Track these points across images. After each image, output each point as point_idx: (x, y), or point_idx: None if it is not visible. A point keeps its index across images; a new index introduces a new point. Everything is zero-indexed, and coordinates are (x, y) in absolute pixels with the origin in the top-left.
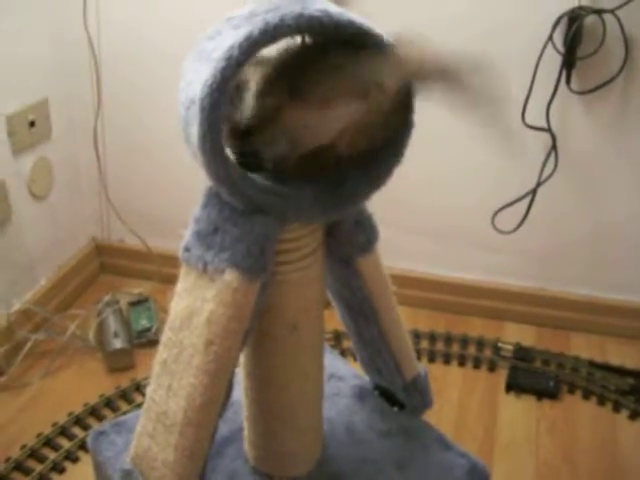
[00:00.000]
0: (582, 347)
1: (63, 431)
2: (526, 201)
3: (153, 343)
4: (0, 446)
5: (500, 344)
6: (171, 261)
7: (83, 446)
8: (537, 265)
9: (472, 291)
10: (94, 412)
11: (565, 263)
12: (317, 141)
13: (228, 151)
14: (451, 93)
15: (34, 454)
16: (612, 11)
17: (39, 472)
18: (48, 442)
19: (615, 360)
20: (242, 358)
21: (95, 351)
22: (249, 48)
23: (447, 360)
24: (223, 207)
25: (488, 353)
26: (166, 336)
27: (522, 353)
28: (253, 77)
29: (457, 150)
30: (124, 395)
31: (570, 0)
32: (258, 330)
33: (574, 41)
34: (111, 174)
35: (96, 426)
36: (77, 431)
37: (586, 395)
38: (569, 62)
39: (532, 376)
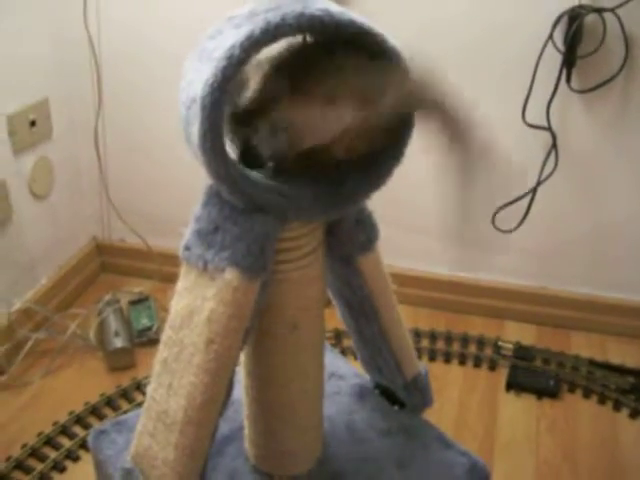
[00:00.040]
0: (582, 346)
1: (64, 430)
2: (526, 200)
3: (154, 342)
4: (1, 445)
5: (500, 343)
6: (171, 260)
7: (84, 445)
8: (537, 264)
9: (473, 290)
10: (95, 411)
11: (565, 262)
12: (315, 140)
13: (229, 148)
14: (442, 129)
15: (35, 453)
16: (612, 10)
17: (40, 471)
18: (49, 441)
19: (615, 359)
20: (242, 357)
21: (96, 350)
22: (250, 47)
23: (447, 359)
24: (223, 206)
25: (488, 352)
26: (166, 335)
27: (522, 352)
28: (256, 74)
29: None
30: (125, 394)
31: None
32: (258, 329)
33: (574, 40)
34: (112, 174)
35: (97, 425)
36: (78, 430)
37: (586, 394)
38: (569, 61)
39: (532, 375)
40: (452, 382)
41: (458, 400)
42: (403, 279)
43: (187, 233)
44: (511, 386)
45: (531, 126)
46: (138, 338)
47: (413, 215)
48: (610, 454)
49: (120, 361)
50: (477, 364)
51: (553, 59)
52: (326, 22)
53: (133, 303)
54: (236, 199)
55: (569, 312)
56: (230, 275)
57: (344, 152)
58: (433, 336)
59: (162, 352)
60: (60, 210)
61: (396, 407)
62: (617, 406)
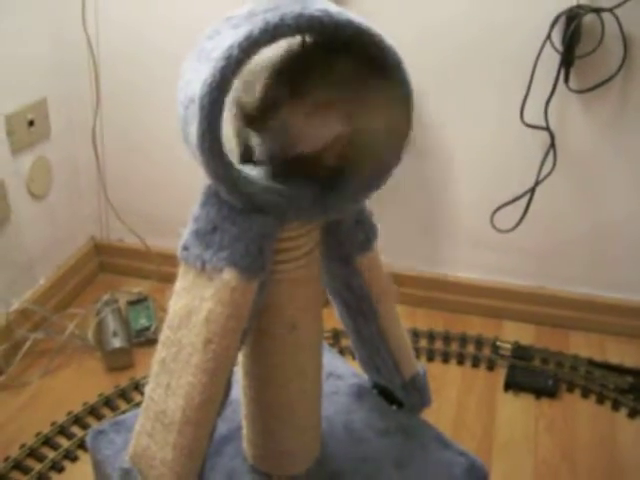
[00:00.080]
0: (581, 346)
1: (62, 430)
2: (525, 200)
3: (152, 342)
4: None
5: (499, 343)
6: (170, 260)
7: (82, 445)
8: (536, 264)
9: (471, 290)
10: (93, 411)
11: (564, 262)
12: (308, 147)
13: (228, 147)
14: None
15: (33, 453)
16: (610, 10)
17: (38, 471)
18: (47, 441)
19: (614, 358)
20: (241, 357)
21: (94, 350)
22: (249, 47)
23: (446, 359)
24: (222, 206)
25: (487, 352)
26: (165, 335)
27: (521, 352)
28: (259, 78)
29: (456, 149)
30: (123, 394)
31: None
32: (257, 329)
33: (572, 40)
34: (110, 173)
35: (95, 425)
36: (76, 430)
37: (585, 394)
38: (567, 61)
39: (531, 375)
40: (450, 382)
41: (456, 400)
42: (401, 279)
43: (185, 233)
44: (509, 386)
45: (529, 126)
46: (136, 338)
47: (412, 215)
48: (609, 454)
49: (118, 361)
50: (475, 364)
51: (551, 59)
52: (325, 22)
53: (131, 303)
54: (235, 199)
55: (568, 312)
56: (228, 275)
57: (335, 159)
58: (431, 336)
59: (160, 352)
60: (58, 210)
61: (394, 407)
62: (616, 406)
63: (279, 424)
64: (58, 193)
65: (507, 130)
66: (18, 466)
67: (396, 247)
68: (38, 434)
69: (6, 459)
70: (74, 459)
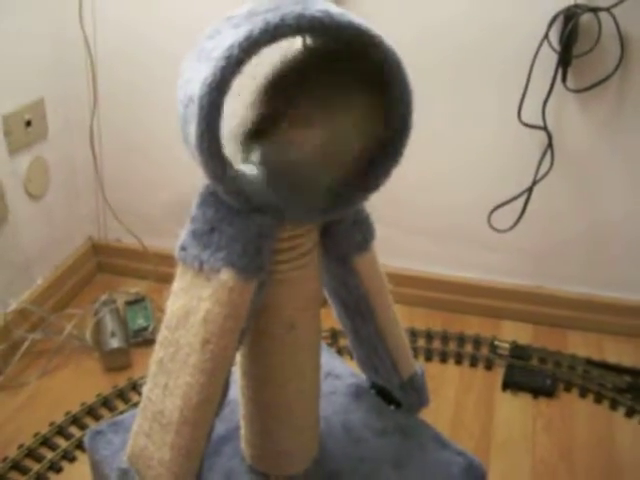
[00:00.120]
0: (579, 345)
1: (60, 430)
2: (522, 199)
3: (150, 342)
4: None
5: (497, 342)
6: (168, 260)
7: (80, 445)
8: (533, 263)
9: (469, 289)
10: (91, 411)
11: (561, 261)
12: (297, 156)
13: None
14: None
15: (31, 453)
16: (608, 9)
17: (36, 471)
18: (45, 441)
19: (612, 358)
20: (239, 357)
21: (92, 350)
22: (249, 47)
23: (444, 358)
24: (219, 206)
25: (485, 351)
26: (162, 335)
27: (519, 351)
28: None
29: (453, 149)
30: (121, 394)
31: None
32: (255, 329)
33: (570, 39)
34: (107, 173)
35: (93, 425)
36: (74, 430)
37: (583, 393)
38: (565, 60)
39: (529, 374)
40: (448, 381)
41: (454, 399)
42: (399, 279)
43: (183, 233)
44: (507, 385)
45: (527, 125)
46: (134, 338)
47: (409, 215)
48: (606, 453)
49: (116, 361)
50: (473, 363)
51: (549, 58)
52: (326, 23)
53: (129, 303)
54: (233, 199)
55: (565, 311)
56: (226, 275)
57: (321, 168)
58: (429, 336)
59: (158, 352)
60: (56, 210)
61: (392, 407)
62: (613, 405)
63: (277, 424)
64: (56, 193)
65: (505, 130)
66: (16, 466)
67: (394, 247)
68: (36, 434)
69: (4, 459)
70: (72, 459)
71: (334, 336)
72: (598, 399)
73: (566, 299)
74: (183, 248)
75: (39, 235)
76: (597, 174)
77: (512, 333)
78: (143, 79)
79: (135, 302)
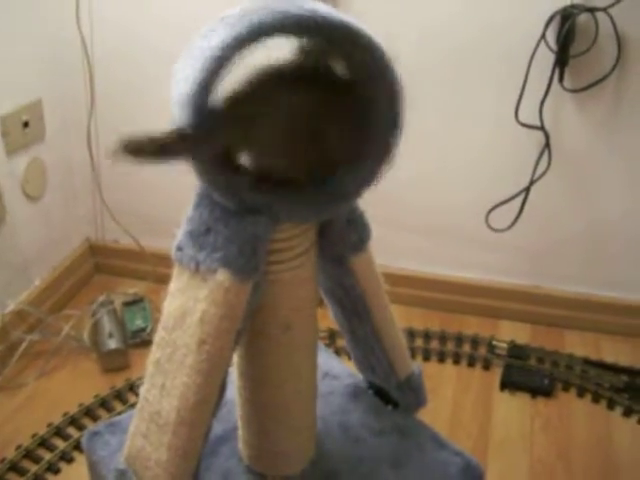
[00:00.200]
0: (576, 345)
1: (58, 431)
2: (520, 199)
3: (148, 343)
4: None
5: (494, 342)
6: (165, 261)
7: (78, 446)
8: (531, 263)
9: (466, 289)
10: (89, 412)
11: (559, 261)
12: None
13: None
14: None
15: (29, 454)
16: (604, 9)
17: (34, 473)
18: (43, 442)
19: (609, 357)
20: (236, 357)
21: (90, 351)
22: (237, 47)
23: (442, 358)
24: (215, 207)
25: (482, 351)
26: (159, 336)
27: (516, 351)
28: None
29: (451, 149)
30: (119, 395)
31: None
32: (251, 330)
33: (567, 39)
34: (105, 174)
35: (91, 426)
36: (72, 431)
37: (580, 392)
38: (562, 60)
39: (526, 374)
40: (446, 381)
41: (452, 399)
42: (397, 279)
43: (179, 234)
44: (505, 385)
45: (524, 125)
46: (132, 339)
47: (407, 215)
48: (604, 452)
49: (114, 362)
50: (471, 363)
51: (546, 58)
52: (313, 22)
53: (127, 304)
54: (227, 201)
55: (563, 311)
56: (222, 276)
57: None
58: (427, 336)
59: (155, 353)
60: (53, 211)
61: (390, 407)
62: (611, 405)
63: (274, 425)
64: (53, 194)
65: (502, 130)
66: (14, 467)
67: (391, 247)
68: (34, 435)
69: (2, 460)
70: (70, 460)
71: (332, 336)
72: (596, 399)
73: (564, 299)
74: (179, 248)
75: (37, 236)
76: (594, 174)
77: (510, 333)
78: (140, 79)
79: (133, 303)
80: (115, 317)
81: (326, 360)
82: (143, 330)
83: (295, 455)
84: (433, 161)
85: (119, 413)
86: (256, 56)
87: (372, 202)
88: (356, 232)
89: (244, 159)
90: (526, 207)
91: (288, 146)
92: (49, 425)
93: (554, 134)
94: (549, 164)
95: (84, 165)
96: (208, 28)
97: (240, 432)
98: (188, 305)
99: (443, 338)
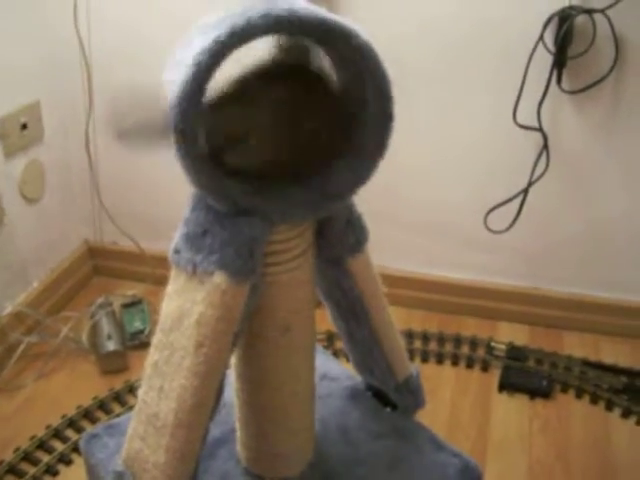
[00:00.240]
0: (575, 346)
1: (56, 434)
2: (518, 201)
3: (147, 345)
4: None
5: (493, 343)
6: (164, 263)
7: (77, 449)
8: (530, 264)
9: (465, 291)
10: (87, 414)
11: (557, 262)
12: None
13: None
14: None
15: (27, 457)
16: (602, 11)
17: (32, 475)
18: (41, 445)
19: (608, 359)
20: (233, 360)
21: (88, 353)
22: (218, 52)
23: (440, 360)
24: (211, 210)
25: (481, 353)
26: (157, 338)
27: (515, 352)
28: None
29: (449, 150)
30: (117, 397)
31: (560, 0)
32: (249, 331)
33: (565, 41)
34: (103, 176)
35: (89, 429)
36: (70, 434)
37: (579, 394)
38: (560, 62)
39: (525, 375)
40: (445, 383)
41: (451, 401)
42: (395, 280)
43: (176, 236)
44: (504, 386)
45: (522, 127)
46: (131, 341)
47: (405, 216)
48: (602, 454)
49: (113, 364)
50: (470, 365)
51: (544, 60)
52: (292, 21)
53: (126, 306)
54: (220, 204)
55: (562, 312)
56: (219, 279)
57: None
58: (426, 337)
59: (153, 355)
60: (52, 213)
61: (388, 409)
62: (609, 406)
63: (272, 427)
64: (51, 196)
65: (500, 131)
66: (12, 470)
67: (390, 249)
68: (32, 438)
69: (0, 463)
70: (68, 463)
71: (330, 338)
72: (594, 400)
73: (562, 300)
74: (177, 251)
75: (35, 238)
76: (592, 175)
77: (508, 334)
78: (139, 81)
79: (132, 305)
80: (114, 319)
81: (324, 362)
82: (142, 332)
83: (293, 457)
84: (430, 163)
85: (118, 415)
86: (240, 56)
87: (371, 204)
88: (354, 234)
89: (233, 161)
90: (524, 208)
91: (274, 144)
92: (47, 427)
93: (552, 135)
94: (547, 165)
95: (82, 167)
96: (187, 37)
97: (238, 434)
98: (185, 307)
99: (441, 339)
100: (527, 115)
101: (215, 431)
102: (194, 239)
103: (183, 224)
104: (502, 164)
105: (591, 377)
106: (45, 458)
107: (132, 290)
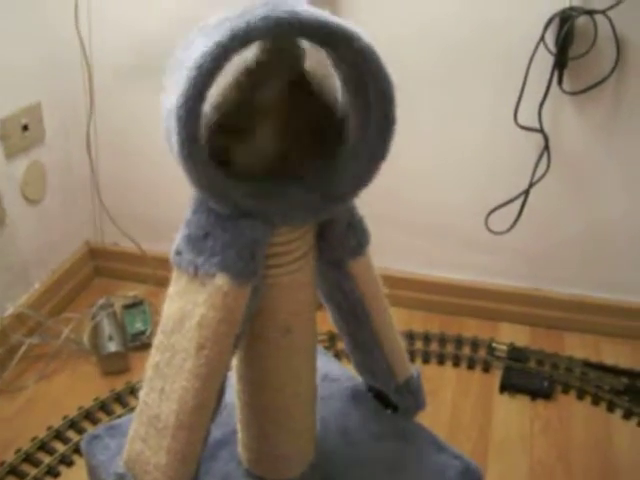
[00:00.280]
0: (576, 347)
1: (58, 435)
2: (519, 202)
3: (148, 346)
4: None
5: (494, 344)
6: (165, 264)
7: (78, 450)
8: (530, 265)
9: (466, 292)
10: (89, 416)
11: (558, 263)
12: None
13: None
14: None
15: (29, 458)
16: (603, 12)
17: (34, 476)
18: (43, 446)
19: (609, 359)
20: (235, 361)
21: (89, 354)
22: (219, 55)
23: (441, 361)
24: (212, 212)
25: (482, 353)
26: (158, 339)
27: (516, 353)
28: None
29: (450, 151)
30: (119, 398)
31: (561, 1)
32: (251, 333)
33: (566, 41)
34: (104, 177)
35: (91, 430)
36: (72, 435)
37: (580, 395)
38: (561, 63)
39: (526, 376)
40: (446, 384)
41: (452, 402)
42: (397, 282)
43: (178, 238)
44: (505, 387)
45: (523, 128)
46: (132, 342)
47: (406, 218)
48: (604, 455)
49: (114, 365)
50: (471, 366)
51: (545, 61)
52: (292, 23)
53: (127, 307)
54: (221, 207)
55: (563, 313)
56: (220, 281)
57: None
58: (427, 338)
59: (154, 356)
60: (53, 214)
61: (389, 410)
62: (611, 407)
63: (274, 428)
64: (53, 197)
65: (501, 132)
66: (14, 471)
67: (391, 250)
68: (34, 439)
69: (1, 464)
70: (70, 464)
71: (332, 339)
72: (595, 401)
73: (563, 301)
74: (178, 252)
75: (36, 239)
76: (593, 176)
77: (510, 335)
78: (139, 81)
79: (133, 306)
80: (115, 320)
81: (325, 363)
82: (143, 333)
83: (295, 458)
84: (431, 164)
85: (119, 416)
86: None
87: (372, 205)
88: (355, 237)
89: (235, 160)
90: (525, 209)
91: (274, 145)
92: (49, 428)
93: (553, 136)
94: (548, 167)
95: (83, 168)
96: (187, 39)
97: (239, 436)
98: (187, 309)
99: (443, 340)
100: (528, 116)
101: (216, 432)
102: (196, 241)
103: (184, 226)
104: (503, 165)
105: (592, 378)
106: (46, 459)
107: (133, 291)
